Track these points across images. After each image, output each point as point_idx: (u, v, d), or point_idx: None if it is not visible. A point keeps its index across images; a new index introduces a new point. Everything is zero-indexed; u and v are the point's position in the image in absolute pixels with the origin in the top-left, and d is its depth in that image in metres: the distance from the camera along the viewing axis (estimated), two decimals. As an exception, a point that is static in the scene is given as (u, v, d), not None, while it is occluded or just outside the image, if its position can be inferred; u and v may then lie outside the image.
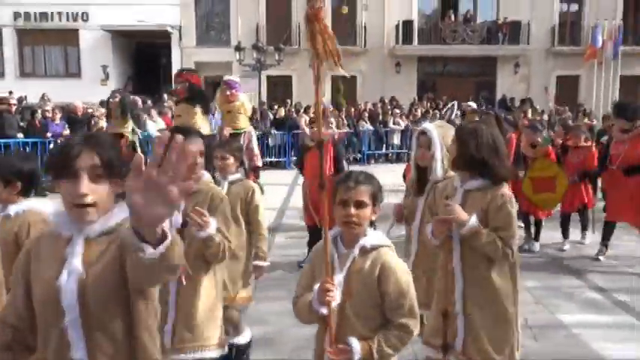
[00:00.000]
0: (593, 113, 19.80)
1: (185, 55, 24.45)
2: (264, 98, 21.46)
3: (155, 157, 1.17)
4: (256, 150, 8.03)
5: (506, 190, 2.94)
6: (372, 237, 2.38)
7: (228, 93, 7.55)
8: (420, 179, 3.74)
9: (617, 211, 6.59)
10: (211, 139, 6.65)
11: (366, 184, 2.36)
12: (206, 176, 3.19)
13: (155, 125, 13.19)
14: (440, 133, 3.60)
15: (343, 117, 18.12)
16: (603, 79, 23.02)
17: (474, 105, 9.10)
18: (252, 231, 4.12)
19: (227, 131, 7.37)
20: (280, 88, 24.34)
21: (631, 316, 5.16)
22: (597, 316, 5.21)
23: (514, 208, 2.90)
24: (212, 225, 2.86)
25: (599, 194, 8.62)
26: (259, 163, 8.34)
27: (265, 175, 10.55)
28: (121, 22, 23.12)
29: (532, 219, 7.46)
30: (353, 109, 19.24)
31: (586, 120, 14.58)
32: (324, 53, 2.18)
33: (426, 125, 3.77)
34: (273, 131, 16.47)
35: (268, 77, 23.02)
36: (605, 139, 8.72)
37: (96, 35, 23.69)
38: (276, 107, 18.72)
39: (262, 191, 4.10)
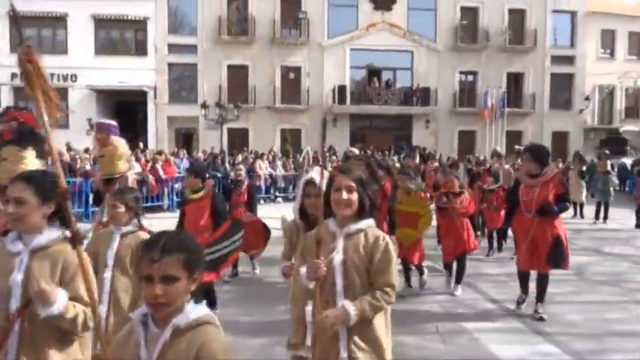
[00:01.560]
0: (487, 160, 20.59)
1: (159, 110, 24.05)
2: (224, 147, 21.27)
3: None
4: None
5: (381, 232, 2.37)
6: (191, 312, 1.60)
7: (99, 136, 5.95)
8: (308, 228, 2.81)
9: (528, 259, 5.26)
10: None
11: (176, 252, 1.57)
12: (53, 234, 2.14)
13: (132, 169, 12.80)
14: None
15: (291, 162, 18.19)
16: (493, 133, 24.14)
17: (356, 151, 8.77)
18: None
19: (98, 177, 6.00)
20: (238, 139, 24.18)
21: (518, 322, 5.21)
22: (492, 323, 5.25)
23: (393, 247, 2.33)
24: (60, 301, 1.96)
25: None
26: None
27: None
28: (104, 82, 22.66)
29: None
30: (299, 156, 19.33)
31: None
32: (41, 96, 1.64)
33: (314, 175, 3.00)
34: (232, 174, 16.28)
35: (229, 129, 22.82)
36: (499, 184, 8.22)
37: (83, 93, 23.01)
38: (235, 153, 18.57)
39: None
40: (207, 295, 5.25)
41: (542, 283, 5.30)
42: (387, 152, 20.78)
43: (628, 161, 21.54)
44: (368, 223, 2.35)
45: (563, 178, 5.44)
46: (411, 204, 5.94)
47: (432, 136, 26.32)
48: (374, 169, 5.48)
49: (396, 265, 2.34)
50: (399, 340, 4.75)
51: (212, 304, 5.30)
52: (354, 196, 2.30)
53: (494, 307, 5.77)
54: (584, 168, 12.98)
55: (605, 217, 12.19)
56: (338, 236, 2.33)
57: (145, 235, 3.19)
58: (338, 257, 2.29)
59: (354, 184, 2.31)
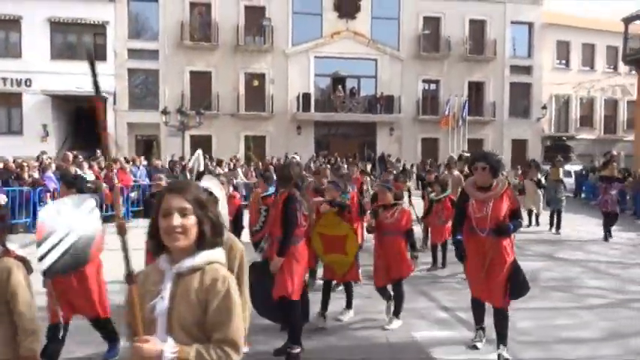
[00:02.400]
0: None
1: (119, 116, 23.39)
2: (187, 154, 20.80)
3: None
4: None
5: (226, 271, 1.80)
6: None
7: None
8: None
9: (485, 288, 4.43)
10: None
11: None
12: None
13: (85, 177, 12.32)
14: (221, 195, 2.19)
15: (252, 169, 17.94)
16: (455, 140, 24.48)
17: (297, 157, 7.84)
18: (17, 326, 2.55)
19: None
20: (201, 146, 23.57)
21: (469, 331, 5.11)
22: (443, 332, 5.16)
23: (237, 293, 1.77)
24: None
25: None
26: None
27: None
28: (61, 87, 21.82)
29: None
30: (260, 163, 19.11)
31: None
32: None
33: (208, 182, 2.36)
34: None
35: (192, 136, 22.40)
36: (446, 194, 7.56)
37: (38, 98, 22.11)
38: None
39: (29, 269, 2.80)
40: (105, 330, 4.35)
41: (502, 321, 4.40)
42: (351, 159, 20.73)
43: (573, 168, 21.63)
44: (208, 257, 1.77)
45: (514, 190, 4.58)
46: (331, 226, 5.15)
47: (396, 144, 26.50)
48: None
49: (239, 315, 1.75)
50: (348, 350, 4.63)
51: (113, 340, 4.37)
52: (190, 221, 1.74)
53: (445, 316, 5.68)
54: (540, 176, 12.75)
55: (558, 226, 11.65)
56: (166, 277, 1.75)
57: (11, 263, 2.64)
58: (161, 306, 1.71)
59: (189, 206, 1.74)
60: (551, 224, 11.95)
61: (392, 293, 5.37)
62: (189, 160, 6.45)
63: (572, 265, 8.33)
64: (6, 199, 10.32)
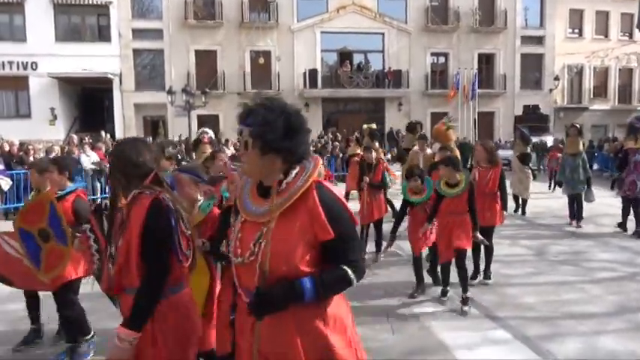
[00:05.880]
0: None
1: (125, 97, 23.28)
2: (193, 134, 20.70)
3: None
4: None
5: None
6: None
7: None
8: None
9: None
10: None
11: None
12: None
13: (88, 159, 12.27)
14: None
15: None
16: (465, 114, 24.01)
17: (210, 132, 6.11)
18: None
19: None
20: (209, 126, 23.41)
21: (472, 307, 4.97)
22: (445, 307, 5.04)
23: None
24: None
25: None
26: None
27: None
28: (67, 70, 21.73)
29: None
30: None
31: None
32: None
33: None
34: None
35: (198, 116, 22.23)
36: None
37: (44, 81, 22.05)
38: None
39: None
40: None
41: None
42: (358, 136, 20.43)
43: (549, 139, 18.14)
44: None
45: (333, 200, 1.76)
46: (197, 271, 2.59)
47: (405, 118, 26.00)
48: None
49: None
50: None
51: None
52: None
53: (449, 291, 5.51)
54: (529, 149, 10.12)
55: (579, 218, 8.96)
56: None
57: None
58: None
59: None
60: (571, 216, 9.08)
61: None
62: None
63: (583, 239, 8.09)
64: (11, 183, 10.32)
